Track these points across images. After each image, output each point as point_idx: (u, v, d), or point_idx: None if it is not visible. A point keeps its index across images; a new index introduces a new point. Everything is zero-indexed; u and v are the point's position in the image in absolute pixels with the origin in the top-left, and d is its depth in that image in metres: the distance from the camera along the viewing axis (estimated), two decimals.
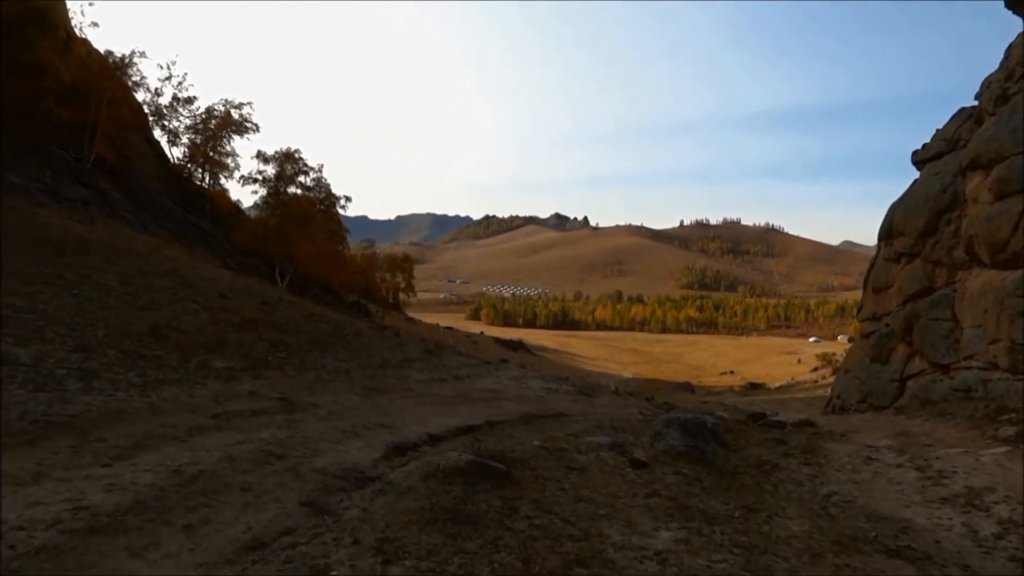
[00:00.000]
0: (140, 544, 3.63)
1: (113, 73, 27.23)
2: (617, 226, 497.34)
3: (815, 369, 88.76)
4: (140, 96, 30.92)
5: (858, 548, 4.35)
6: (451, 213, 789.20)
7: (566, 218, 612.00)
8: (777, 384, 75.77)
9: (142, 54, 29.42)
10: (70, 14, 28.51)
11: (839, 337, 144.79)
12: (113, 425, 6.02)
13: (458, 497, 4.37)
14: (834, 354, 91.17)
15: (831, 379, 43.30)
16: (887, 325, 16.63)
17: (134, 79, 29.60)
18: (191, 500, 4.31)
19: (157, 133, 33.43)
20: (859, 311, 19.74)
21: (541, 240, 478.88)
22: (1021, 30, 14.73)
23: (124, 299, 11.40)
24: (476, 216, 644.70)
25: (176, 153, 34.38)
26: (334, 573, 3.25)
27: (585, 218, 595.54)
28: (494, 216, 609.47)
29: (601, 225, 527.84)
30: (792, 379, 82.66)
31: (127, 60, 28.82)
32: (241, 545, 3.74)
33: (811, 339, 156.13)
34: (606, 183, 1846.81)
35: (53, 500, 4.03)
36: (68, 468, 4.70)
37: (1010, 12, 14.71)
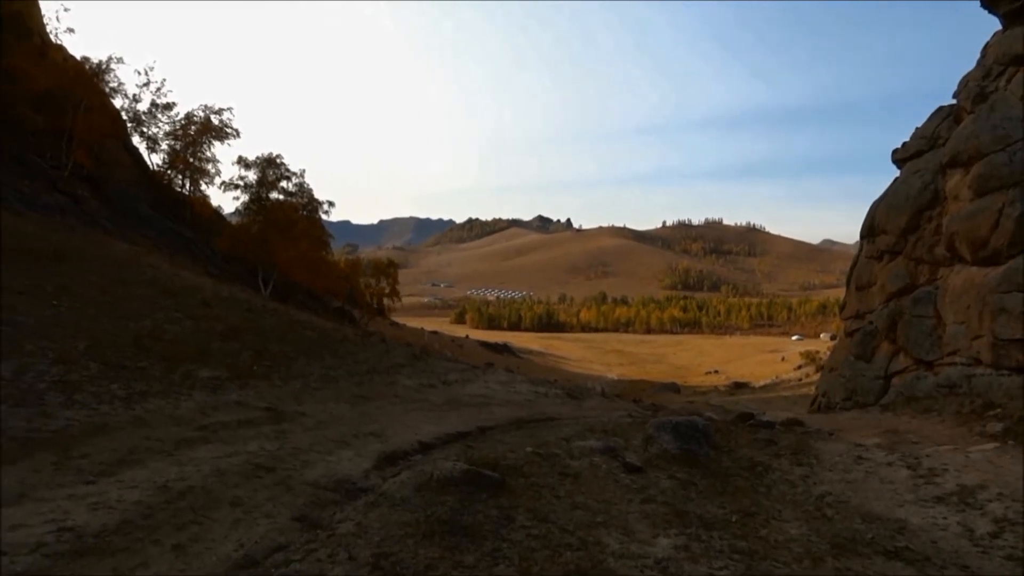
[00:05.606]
0: (128, 565, 3.52)
1: (90, 79, 26.89)
2: (600, 228, 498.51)
3: (799, 367, 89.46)
4: (118, 102, 30.59)
5: (856, 550, 4.33)
6: (434, 216, 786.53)
7: (549, 220, 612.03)
8: (762, 383, 76.31)
9: (119, 60, 29.21)
10: (45, 20, 28.14)
11: (822, 335, 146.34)
12: (97, 440, 5.88)
13: (454, 508, 4.30)
14: (817, 352, 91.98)
15: (815, 377, 43.65)
16: (871, 323, 16.75)
17: (111, 85, 29.36)
18: (180, 517, 4.20)
19: (136, 140, 33.00)
20: (842, 309, 19.87)
21: (525, 242, 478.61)
22: (997, 28, 14.91)
23: (105, 309, 11.18)
24: (459, 219, 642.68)
25: (155, 160, 33.98)
26: None
27: (568, 220, 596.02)
28: (477, 219, 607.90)
29: (584, 227, 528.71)
30: (777, 378, 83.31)
31: (104, 66, 28.57)
32: (233, 563, 3.64)
33: (794, 337, 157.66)
34: (589, 185, 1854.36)
35: (36, 522, 3.90)
36: (51, 487, 4.57)
37: (986, 11, 14.88)
